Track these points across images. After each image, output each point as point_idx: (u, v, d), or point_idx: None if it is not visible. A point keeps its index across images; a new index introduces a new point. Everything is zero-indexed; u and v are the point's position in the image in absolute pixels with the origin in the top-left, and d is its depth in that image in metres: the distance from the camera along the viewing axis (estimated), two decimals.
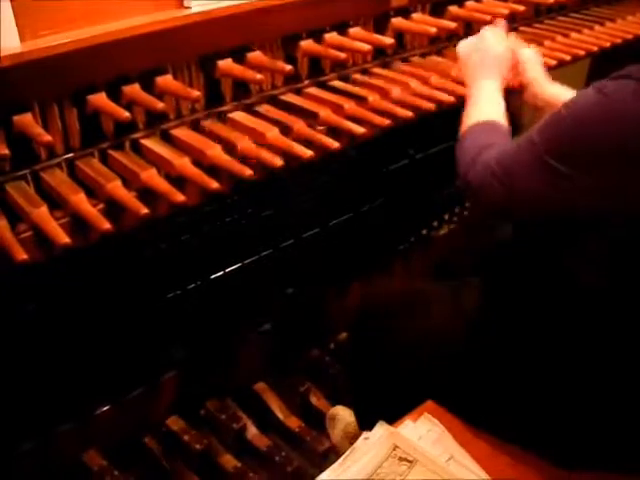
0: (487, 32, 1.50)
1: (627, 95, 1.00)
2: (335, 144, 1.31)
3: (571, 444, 1.25)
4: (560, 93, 1.48)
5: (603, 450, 1.25)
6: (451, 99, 1.50)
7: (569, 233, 1.20)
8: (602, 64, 1.98)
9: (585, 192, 1.06)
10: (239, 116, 1.37)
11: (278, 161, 1.22)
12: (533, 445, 1.28)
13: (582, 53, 1.75)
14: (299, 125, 1.34)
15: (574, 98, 1.09)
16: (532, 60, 1.53)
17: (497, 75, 1.44)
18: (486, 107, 1.38)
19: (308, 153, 1.26)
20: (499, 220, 1.39)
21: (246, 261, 1.85)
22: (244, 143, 1.26)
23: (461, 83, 1.53)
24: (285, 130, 1.33)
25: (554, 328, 1.24)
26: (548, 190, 1.10)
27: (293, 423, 1.95)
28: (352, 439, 1.72)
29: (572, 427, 1.24)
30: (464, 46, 1.51)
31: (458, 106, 1.47)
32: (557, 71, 1.75)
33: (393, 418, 1.34)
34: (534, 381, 1.26)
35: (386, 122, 1.39)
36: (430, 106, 1.46)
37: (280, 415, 1.97)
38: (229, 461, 1.85)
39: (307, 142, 1.31)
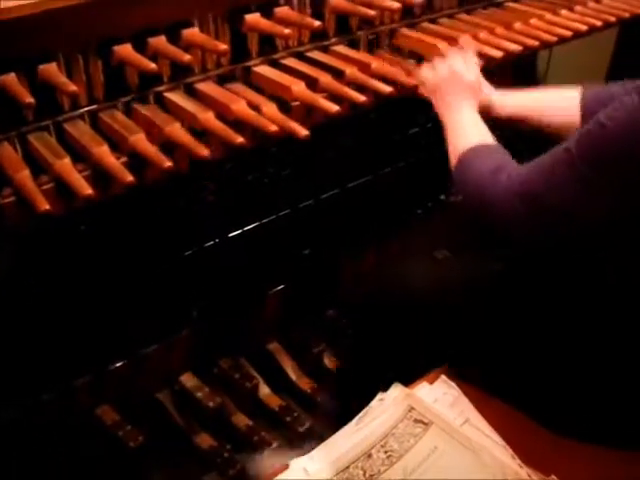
0: (456, 57, 1.44)
1: None
2: (362, 98, 1.29)
3: (583, 417, 1.25)
4: (530, 97, 1.46)
5: (611, 425, 1.25)
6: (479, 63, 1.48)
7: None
8: (632, 32, 1.95)
9: (627, 203, 1.04)
10: (264, 70, 1.35)
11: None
12: (541, 414, 1.28)
13: (613, 19, 1.72)
14: (326, 79, 1.33)
15: (616, 106, 1.04)
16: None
17: (473, 102, 1.39)
18: (474, 131, 1.33)
19: (335, 108, 1.24)
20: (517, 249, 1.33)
21: (264, 220, 1.84)
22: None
23: (492, 45, 1.52)
24: (311, 83, 1.31)
25: (572, 302, 1.24)
26: (585, 204, 1.06)
27: (305, 384, 1.95)
28: None
29: (583, 400, 1.24)
30: (432, 72, 1.43)
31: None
32: (585, 40, 1.73)
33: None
34: (549, 352, 1.26)
35: (413, 82, 1.37)
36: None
37: (293, 376, 1.97)
38: (241, 420, 1.86)
39: (333, 97, 1.30)
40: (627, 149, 1.00)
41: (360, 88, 1.35)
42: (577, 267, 1.23)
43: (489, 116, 1.43)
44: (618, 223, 1.08)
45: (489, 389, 1.32)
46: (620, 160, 1.01)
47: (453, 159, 1.31)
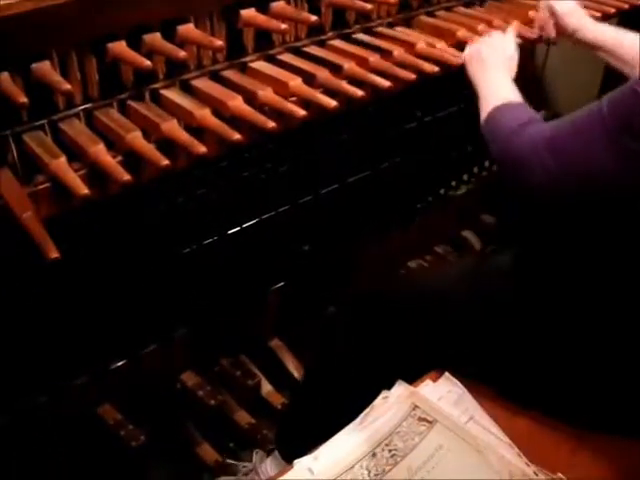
0: (496, 35, 1.49)
1: None
2: (359, 92, 1.28)
3: (590, 408, 1.24)
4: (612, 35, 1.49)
5: (620, 415, 1.24)
6: None
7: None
8: (631, 24, 1.93)
9: None
10: (261, 65, 1.34)
11: (301, 111, 1.20)
12: (552, 410, 1.26)
13: (612, 10, 1.71)
14: (323, 74, 1.31)
15: None
16: (573, 10, 1.53)
17: (507, 72, 1.40)
18: (505, 92, 1.33)
19: (333, 103, 1.23)
20: (532, 207, 1.32)
21: (263, 217, 1.82)
22: (266, 93, 1.23)
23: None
24: (309, 79, 1.30)
25: (575, 299, 1.23)
26: (614, 166, 1.03)
27: None
28: None
29: (592, 391, 1.23)
30: (471, 47, 1.47)
31: None
32: None
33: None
34: (553, 347, 1.25)
35: (412, 76, 1.36)
36: (458, 60, 1.43)
37: (295, 372, 1.96)
38: (243, 417, 1.85)
39: (331, 92, 1.28)
40: None
41: (358, 83, 1.33)
42: (584, 262, 1.22)
43: (574, 38, 1.54)
44: None
45: (493, 388, 1.31)
46: None
47: (483, 114, 1.31)
